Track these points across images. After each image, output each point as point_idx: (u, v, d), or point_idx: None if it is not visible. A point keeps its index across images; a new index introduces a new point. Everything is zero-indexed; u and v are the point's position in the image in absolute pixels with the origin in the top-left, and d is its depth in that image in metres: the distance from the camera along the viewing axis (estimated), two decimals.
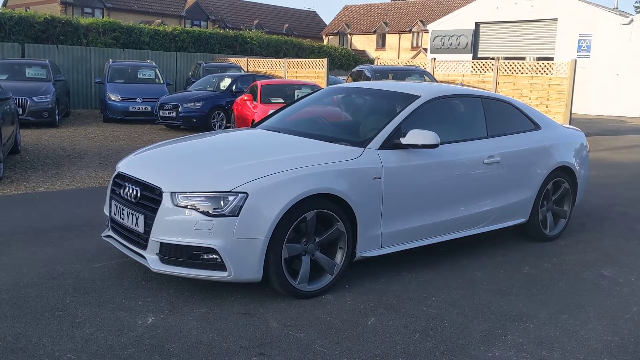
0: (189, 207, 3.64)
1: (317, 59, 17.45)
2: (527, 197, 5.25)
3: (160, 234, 3.69)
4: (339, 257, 4.04)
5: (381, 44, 43.58)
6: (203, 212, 3.61)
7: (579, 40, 25.69)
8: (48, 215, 5.81)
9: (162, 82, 15.90)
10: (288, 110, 5.53)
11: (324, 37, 46.01)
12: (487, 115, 5.12)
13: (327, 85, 13.63)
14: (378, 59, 20.23)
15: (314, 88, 11.88)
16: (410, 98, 4.75)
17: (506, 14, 28.06)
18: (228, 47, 24.16)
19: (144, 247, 3.81)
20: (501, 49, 28.39)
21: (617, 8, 28.35)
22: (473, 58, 27.55)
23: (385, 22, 43.51)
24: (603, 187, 8.26)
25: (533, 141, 5.34)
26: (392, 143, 4.31)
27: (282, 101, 11.53)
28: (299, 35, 40.90)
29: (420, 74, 15.22)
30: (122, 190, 4.09)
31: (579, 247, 5.36)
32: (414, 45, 41.40)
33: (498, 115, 5.23)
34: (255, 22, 42.41)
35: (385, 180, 4.16)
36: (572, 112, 14.35)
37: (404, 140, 4.29)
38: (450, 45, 30.38)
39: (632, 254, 5.21)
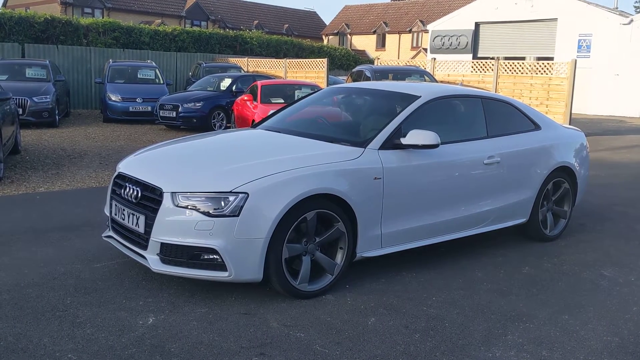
0: (189, 207, 3.65)
1: (317, 59, 17.46)
2: (527, 197, 5.25)
3: (161, 234, 3.70)
4: (340, 257, 4.05)
5: (381, 44, 43.59)
6: (203, 213, 3.61)
7: (579, 40, 25.70)
8: (48, 216, 5.81)
9: (162, 82, 15.90)
10: (288, 110, 5.53)
11: (324, 37, 46.02)
12: (487, 116, 5.12)
13: (327, 86, 13.65)
14: (378, 59, 20.23)
15: (314, 88, 11.88)
16: (410, 98, 4.76)
17: (506, 14, 28.07)
18: (228, 47, 24.17)
19: (145, 248, 3.81)
20: (501, 49, 28.39)
21: (617, 8, 28.36)
22: (473, 58, 27.56)
23: (385, 22, 43.52)
24: (603, 187, 8.26)
25: (533, 141, 5.34)
26: (392, 143, 4.31)
27: (282, 101, 11.53)
28: (299, 36, 40.91)
29: (420, 74, 15.22)
30: (122, 190, 4.09)
31: (579, 247, 5.36)
32: (414, 45, 41.41)
33: (498, 116, 5.24)
34: (255, 22, 42.41)
35: (385, 180, 4.17)
36: (572, 112, 14.36)
37: (404, 141, 4.29)
38: (450, 45, 30.39)
39: (632, 254, 5.21)
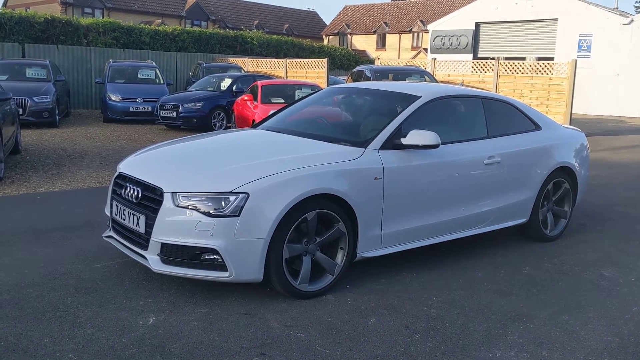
0: (190, 207, 3.65)
1: (318, 59, 17.46)
2: (528, 197, 5.25)
3: (161, 234, 3.70)
4: (340, 258, 4.05)
5: (381, 44, 43.60)
6: (204, 213, 3.61)
7: (579, 40, 25.69)
8: (49, 216, 5.81)
9: (162, 82, 15.91)
10: (289, 110, 5.54)
11: (324, 37, 46.02)
12: (488, 116, 5.13)
13: (328, 86, 13.65)
14: (378, 59, 20.23)
15: (315, 88, 11.88)
16: (410, 98, 4.76)
17: (506, 14, 28.06)
18: (228, 47, 24.17)
19: (145, 248, 3.81)
20: (501, 49, 28.38)
21: (617, 8, 28.36)
22: (473, 58, 27.55)
23: (385, 22, 43.52)
24: (603, 187, 8.26)
25: (533, 141, 5.34)
26: (392, 143, 4.31)
27: (283, 101, 11.53)
28: (299, 36, 40.92)
29: (421, 74, 15.22)
30: (123, 190, 4.10)
31: (579, 248, 5.36)
32: (414, 45, 41.41)
33: (498, 116, 5.24)
34: (256, 22, 42.42)
35: (386, 180, 4.17)
36: (573, 112, 14.36)
37: (404, 141, 4.30)
38: (451, 45, 30.37)
39: (632, 254, 5.21)
